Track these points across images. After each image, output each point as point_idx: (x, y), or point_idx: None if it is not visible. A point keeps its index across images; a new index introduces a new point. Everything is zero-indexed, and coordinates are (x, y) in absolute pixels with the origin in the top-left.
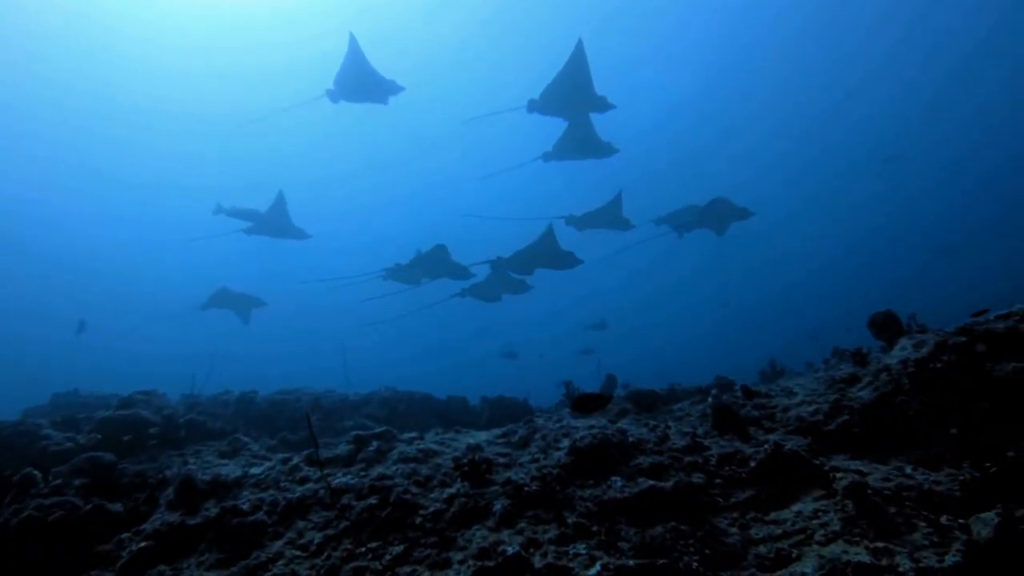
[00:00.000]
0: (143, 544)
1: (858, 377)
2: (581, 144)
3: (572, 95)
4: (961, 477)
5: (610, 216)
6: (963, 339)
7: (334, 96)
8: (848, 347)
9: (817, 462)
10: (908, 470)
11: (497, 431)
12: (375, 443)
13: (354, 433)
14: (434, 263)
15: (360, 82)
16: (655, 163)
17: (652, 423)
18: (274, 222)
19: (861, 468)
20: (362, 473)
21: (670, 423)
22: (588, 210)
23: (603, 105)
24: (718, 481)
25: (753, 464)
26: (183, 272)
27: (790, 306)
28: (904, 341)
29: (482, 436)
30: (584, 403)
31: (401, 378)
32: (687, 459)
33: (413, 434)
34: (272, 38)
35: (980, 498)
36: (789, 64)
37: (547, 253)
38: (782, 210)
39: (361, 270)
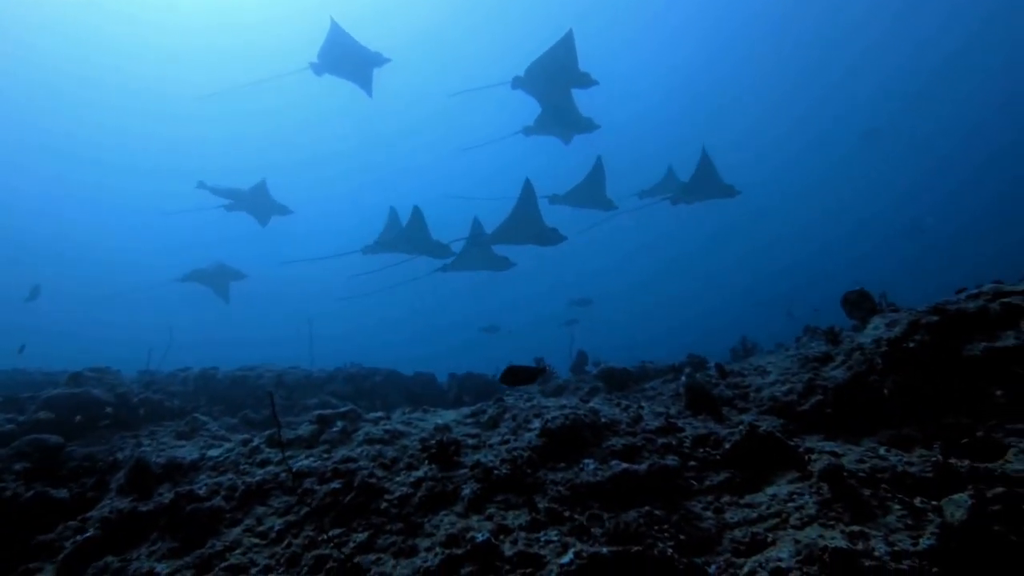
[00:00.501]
0: (89, 533)
1: (831, 356)
2: (561, 119)
3: (557, 74)
4: (934, 458)
5: (593, 192)
6: (935, 318)
7: (318, 69)
8: (819, 326)
9: (792, 443)
10: (882, 451)
11: (466, 410)
12: (339, 423)
13: (317, 413)
14: (412, 232)
15: (344, 54)
16: (643, 149)
17: (624, 403)
18: (255, 201)
19: (836, 449)
20: (325, 455)
21: (643, 403)
22: (571, 187)
23: (587, 81)
24: (692, 463)
25: (727, 446)
26: (154, 254)
27: (778, 289)
28: (877, 320)
29: (450, 416)
30: (512, 375)
31: (389, 363)
32: (661, 441)
33: (379, 414)
34: (253, 17)
35: (952, 480)
36: (779, 48)
37: (530, 219)
38: (776, 194)
39: (341, 251)
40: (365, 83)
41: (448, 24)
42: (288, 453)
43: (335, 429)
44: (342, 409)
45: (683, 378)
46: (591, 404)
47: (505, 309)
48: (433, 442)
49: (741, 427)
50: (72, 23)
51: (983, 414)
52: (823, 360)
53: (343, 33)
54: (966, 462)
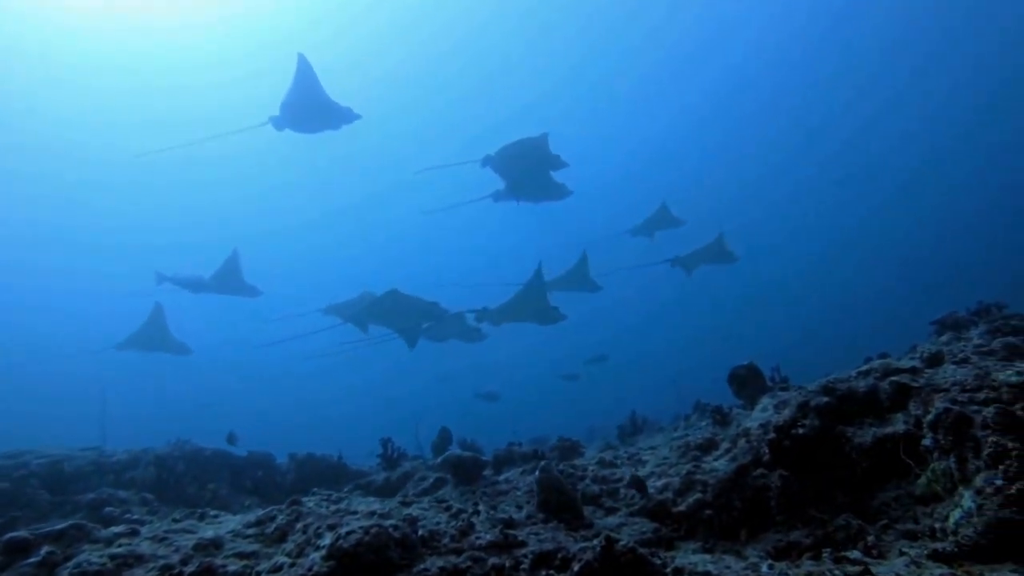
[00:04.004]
0: None
1: (715, 443)
2: (533, 191)
3: (528, 158)
4: None
5: (578, 279)
6: (825, 400)
7: (279, 123)
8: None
9: (658, 562)
10: (765, 568)
11: (252, 516)
12: (44, 549)
13: (8, 537)
14: (391, 308)
15: (310, 107)
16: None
17: (456, 508)
18: (224, 283)
19: (710, 569)
20: None
21: (481, 506)
22: (556, 275)
23: (558, 164)
24: None
25: (577, 567)
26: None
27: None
28: (766, 400)
29: (231, 525)
30: None
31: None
32: (492, 561)
33: (119, 528)
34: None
35: None
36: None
37: (535, 301)
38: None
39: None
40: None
41: (422, 89)
42: None
43: (31, 561)
44: (58, 527)
45: (537, 473)
46: (410, 511)
47: (494, 366)
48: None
49: (596, 541)
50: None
51: (875, 512)
52: (706, 448)
53: (312, 76)
54: None
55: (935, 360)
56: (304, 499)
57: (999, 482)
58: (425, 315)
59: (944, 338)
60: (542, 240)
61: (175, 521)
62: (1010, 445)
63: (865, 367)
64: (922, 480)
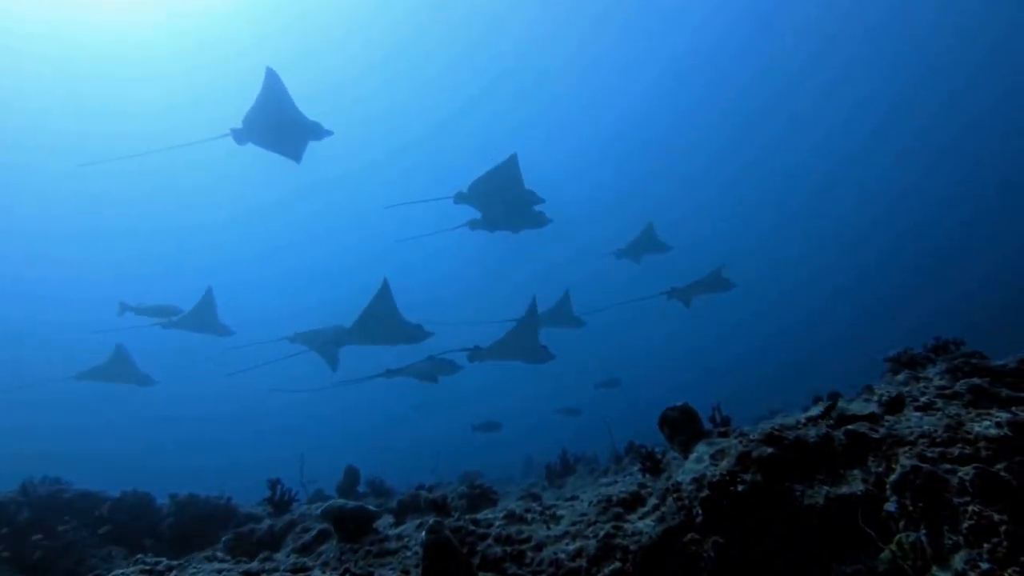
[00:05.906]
0: None
1: (642, 497)
2: (510, 221)
3: (501, 193)
4: None
5: (561, 316)
6: (769, 451)
7: (240, 137)
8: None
9: None
10: None
11: None
12: None
13: None
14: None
15: (276, 120)
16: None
17: None
18: (197, 323)
19: None
20: None
21: (353, 572)
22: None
23: (533, 200)
24: None
25: None
26: None
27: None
28: (701, 448)
29: None
30: None
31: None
32: None
33: None
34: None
35: None
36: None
37: (528, 339)
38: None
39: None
40: (295, 155)
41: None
42: None
43: None
44: None
45: (423, 533)
46: None
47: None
48: None
49: None
50: None
51: None
52: (630, 504)
53: (281, 90)
54: None
55: (896, 405)
56: (121, 573)
57: (985, 566)
58: (408, 339)
59: (900, 378)
60: (519, 253)
61: None
62: (996, 518)
63: (818, 410)
64: (886, 554)
